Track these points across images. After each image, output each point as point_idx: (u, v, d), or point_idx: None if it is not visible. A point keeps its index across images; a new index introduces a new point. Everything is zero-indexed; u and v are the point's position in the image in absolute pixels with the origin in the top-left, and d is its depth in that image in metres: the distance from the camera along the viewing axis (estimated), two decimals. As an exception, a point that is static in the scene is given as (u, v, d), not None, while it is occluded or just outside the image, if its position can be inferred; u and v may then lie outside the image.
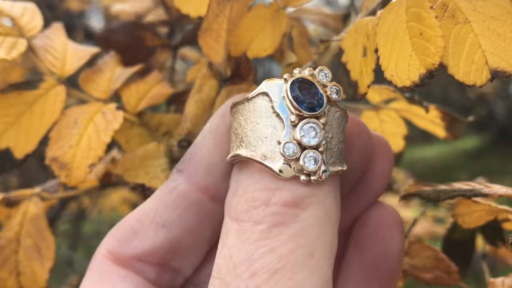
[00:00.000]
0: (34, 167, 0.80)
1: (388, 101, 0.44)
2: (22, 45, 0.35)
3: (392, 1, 0.28)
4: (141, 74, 0.43)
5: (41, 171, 0.81)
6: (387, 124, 0.45)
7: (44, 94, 0.36)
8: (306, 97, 0.26)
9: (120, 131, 0.36)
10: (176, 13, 0.49)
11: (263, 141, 0.26)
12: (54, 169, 0.33)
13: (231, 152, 0.28)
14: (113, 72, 0.41)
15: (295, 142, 0.25)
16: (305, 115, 0.26)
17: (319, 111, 0.26)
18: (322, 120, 0.26)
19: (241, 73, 0.37)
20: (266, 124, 0.26)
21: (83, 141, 0.34)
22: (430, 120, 0.44)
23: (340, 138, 0.27)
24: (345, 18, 0.55)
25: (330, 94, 0.26)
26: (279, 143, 0.25)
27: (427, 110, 0.40)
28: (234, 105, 0.28)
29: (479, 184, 0.35)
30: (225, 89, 0.37)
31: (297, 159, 0.25)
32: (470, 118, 0.43)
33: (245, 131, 0.27)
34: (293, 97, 0.26)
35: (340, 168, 0.27)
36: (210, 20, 0.33)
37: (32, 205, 0.40)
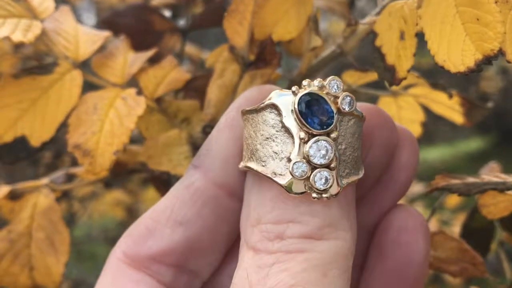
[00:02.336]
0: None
1: (407, 87, 0.45)
2: (37, 27, 0.35)
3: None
4: (150, 60, 0.43)
5: (29, 167, 0.79)
6: (404, 110, 0.46)
7: (59, 79, 0.36)
8: (314, 114, 0.25)
9: (140, 117, 0.35)
10: (185, -4, 0.49)
11: (273, 158, 0.26)
12: (77, 157, 0.32)
13: (243, 160, 0.28)
14: (126, 57, 0.40)
15: (304, 161, 0.25)
16: (314, 133, 0.25)
17: (329, 128, 0.25)
18: (334, 135, 0.26)
19: (265, 57, 0.37)
20: (275, 139, 0.26)
21: (105, 127, 0.33)
22: (449, 106, 0.44)
23: (355, 145, 0.27)
24: (351, 4, 0.56)
25: (342, 106, 0.26)
26: (289, 160, 0.25)
27: (450, 96, 0.41)
28: (244, 112, 0.27)
29: (508, 176, 0.35)
30: (248, 74, 0.37)
31: (308, 178, 0.25)
32: (490, 105, 0.44)
33: (255, 143, 0.27)
34: (301, 114, 0.25)
35: (355, 177, 0.27)
36: (237, 1, 0.33)
37: (42, 197, 0.40)
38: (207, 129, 0.36)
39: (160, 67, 0.39)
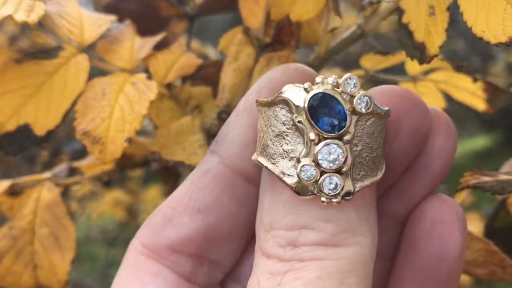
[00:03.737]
0: (14, 158, 0.76)
1: (427, 72, 0.44)
2: (40, 8, 0.33)
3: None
4: (156, 47, 0.41)
5: (25, 166, 0.77)
6: (425, 96, 0.44)
7: (64, 64, 0.34)
8: (326, 114, 0.24)
9: (151, 103, 0.34)
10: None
11: (283, 156, 0.25)
12: (86, 144, 0.31)
13: (256, 152, 0.27)
14: (132, 42, 0.39)
15: (313, 164, 0.24)
16: (325, 136, 0.24)
17: (341, 131, 0.24)
18: (347, 137, 0.24)
19: (282, 38, 0.36)
20: (286, 137, 0.25)
21: (115, 113, 0.32)
22: (471, 92, 0.43)
23: (374, 145, 0.25)
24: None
25: (357, 107, 0.24)
26: (299, 161, 0.24)
27: (475, 80, 0.40)
28: (258, 103, 0.26)
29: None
30: (264, 57, 0.36)
31: (316, 182, 0.24)
32: (514, 89, 0.43)
33: (265, 138, 0.26)
34: (311, 115, 0.24)
35: (372, 180, 0.25)
36: (255, -21, 0.32)
37: (45, 191, 0.38)
38: (223, 115, 0.35)
39: (170, 52, 0.38)
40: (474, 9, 0.25)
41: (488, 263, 0.37)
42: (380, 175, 0.26)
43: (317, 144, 0.24)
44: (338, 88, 0.24)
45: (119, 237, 1.07)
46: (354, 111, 0.24)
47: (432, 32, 0.29)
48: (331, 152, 0.24)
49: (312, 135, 0.24)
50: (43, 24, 0.35)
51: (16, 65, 0.33)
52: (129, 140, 0.31)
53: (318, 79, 0.25)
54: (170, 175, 0.41)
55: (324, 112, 0.24)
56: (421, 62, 0.30)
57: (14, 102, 0.33)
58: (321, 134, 0.24)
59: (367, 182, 0.25)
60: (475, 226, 0.88)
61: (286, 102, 0.25)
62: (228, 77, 0.35)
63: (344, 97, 0.24)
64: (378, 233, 0.30)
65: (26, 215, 0.37)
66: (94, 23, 0.37)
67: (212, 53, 0.92)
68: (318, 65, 0.39)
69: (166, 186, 0.41)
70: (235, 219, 0.29)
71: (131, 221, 0.99)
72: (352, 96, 0.24)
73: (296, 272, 0.24)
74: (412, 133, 0.28)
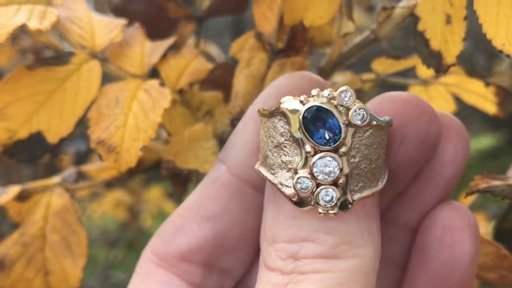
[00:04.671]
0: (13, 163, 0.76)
1: (438, 76, 0.44)
2: (52, 14, 0.33)
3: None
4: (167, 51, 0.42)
5: (26, 167, 0.77)
6: (435, 100, 0.45)
7: (76, 70, 0.34)
8: (321, 128, 0.25)
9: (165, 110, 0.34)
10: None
11: (281, 167, 0.26)
12: (100, 153, 0.31)
13: (258, 161, 0.27)
14: (142, 46, 0.39)
15: (310, 176, 0.25)
16: (320, 148, 0.25)
17: (335, 144, 0.25)
18: (343, 149, 0.25)
19: (295, 44, 0.36)
20: (284, 148, 0.26)
21: (129, 121, 0.32)
22: (482, 95, 0.44)
23: (373, 157, 0.26)
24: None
25: (353, 120, 0.25)
26: (296, 172, 0.25)
27: (487, 84, 0.40)
28: (259, 113, 0.27)
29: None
30: (277, 63, 0.36)
31: (313, 193, 0.25)
32: (525, 93, 0.43)
33: (266, 149, 0.26)
34: (306, 128, 0.25)
35: (372, 190, 0.26)
36: (269, -15, 0.32)
37: (56, 197, 0.39)
38: (236, 122, 0.35)
39: (181, 56, 0.38)
40: (494, 21, 0.26)
41: (499, 267, 0.37)
42: (380, 185, 0.26)
43: (313, 156, 0.25)
44: (334, 100, 0.25)
45: (120, 238, 1.07)
46: (350, 124, 0.25)
47: (449, 41, 0.30)
48: (327, 165, 0.25)
49: (308, 148, 0.25)
50: (54, 30, 0.35)
51: (28, 71, 0.34)
52: (144, 149, 0.31)
53: (314, 91, 0.25)
54: (180, 179, 0.41)
55: (319, 125, 0.25)
56: (437, 70, 0.30)
57: (26, 109, 0.33)
58: (316, 147, 0.25)
59: (366, 193, 0.26)
60: (482, 226, 0.89)
61: (283, 114, 0.25)
62: (240, 83, 0.35)
63: (340, 109, 0.25)
64: (389, 240, 0.31)
65: (36, 221, 0.38)
66: (105, 28, 0.37)
67: (214, 51, 0.92)
68: (330, 70, 0.39)
69: (176, 190, 0.42)
70: (244, 227, 0.30)
71: (132, 222, 0.99)
72: (348, 109, 0.25)
73: (296, 285, 0.25)
74: (419, 139, 0.28)
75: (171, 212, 0.32)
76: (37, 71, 0.34)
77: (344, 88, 0.25)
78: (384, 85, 0.43)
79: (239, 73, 0.36)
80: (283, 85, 0.30)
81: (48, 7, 0.34)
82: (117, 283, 1.14)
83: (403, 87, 0.45)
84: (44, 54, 0.68)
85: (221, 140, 0.36)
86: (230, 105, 0.35)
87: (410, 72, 0.45)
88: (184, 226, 0.30)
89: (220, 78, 0.43)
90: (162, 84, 0.35)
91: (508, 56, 0.25)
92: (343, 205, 0.25)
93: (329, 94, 0.25)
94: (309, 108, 0.25)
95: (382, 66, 0.42)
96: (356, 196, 0.25)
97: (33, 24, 0.31)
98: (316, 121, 0.25)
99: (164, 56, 0.38)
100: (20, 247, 0.37)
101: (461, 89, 0.44)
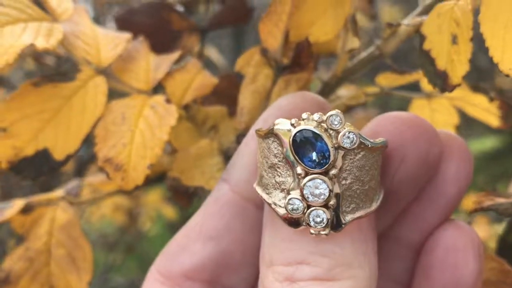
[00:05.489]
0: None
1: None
2: (58, 31, 0.34)
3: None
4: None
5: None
6: (438, 113, 0.45)
7: (82, 86, 0.35)
8: (310, 151, 0.25)
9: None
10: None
11: (275, 188, 0.26)
12: (108, 172, 0.31)
13: (256, 180, 0.28)
14: (148, 60, 0.39)
15: (300, 198, 0.25)
16: (310, 171, 0.25)
17: (324, 168, 0.25)
18: (333, 172, 0.25)
19: (300, 60, 0.36)
20: (278, 169, 0.26)
21: (136, 138, 0.32)
22: (485, 109, 0.44)
23: (365, 178, 0.26)
24: (372, -1, 0.55)
25: (342, 143, 0.25)
26: (289, 193, 0.26)
27: (491, 99, 0.40)
28: (256, 133, 0.28)
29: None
30: (282, 79, 0.36)
31: (304, 214, 0.25)
32: (529, 107, 0.43)
33: (261, 169, 0.27)
34: (296, 151, 0.25)
35: (365, 211, 0.26)
36: (276, 2, 0.33)
37: (60, 211, 0.39)
38: (241, 138, 0.35)
39: (186, 71, 0.38)
40: (500, 45, 0.26)
41: (502, 283, 0.37)
42: (374, 206, 0.27)
43: (303, 178, 0.25)
44: (324, 124, 0.25)
45: (119, 241, 1.08)
46: (339, 147, 0.25)
47: (455, 61, 0.30)
48: (317, 187, 0.25)
49: (299, 170, 0.25)
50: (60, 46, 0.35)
51: (34, 88, 0.34)
52: (151, 167, 0.32)
53: (304, 115, 0.26)
54: (185, 195, 0.41)
55: (308, 148, 0.25)
56: (442, 90, 0.30)
57: (32, 126, 0.33)
58: (307, 169, 0.25)
59: (358, 214, 0.26)
60: (483, 230, 0.89)
61: (276, 136, 0.26)
62: (246, 99, 0.36)
63: (330, 133, 0.25)
64: (393, 259, 0.31)
65: (41, 236, 0.38)
66: (110, 43, 0.37)
67: (214, 55, 0.92)
68: (335, 84, 0.39)
69: (181, 205, 0.42)
70: (247, 245, 0.30)
71: (131, 226, 0.99)
72: (338, 132, 0.25)
73: None
74: (419, 159, 0.29)
75: (170, 216, 0.32)
76: (43, 88, 0.34)
77: (333, 112, 0.26)
78: (388, 98, 0.43)
79: (245, 89, 0.36)
80: (284, 105, 0.30)
81: (54, 24, 0.34)
82: (116, 287, 1.14)
83: (406, 100, 0.45)
84: (44, 59, 0.68)
85: (227, 156, 0.36)
86: (236, 121, 0.35)
87: (414, 85, 0.45)
88: (188, 245, 0.30)
89: (224, 90, 0.44)
90: (168, 101, 0.35)
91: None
92: (336, 226, 0.25)
93: (319, 118, 0.25)
94: (298, 131, 0.25)
95: (386, 80, 0.42)
96: (349, 217, 0.26)
97: (40, 43, 0.31)
98: (305, 144, 0.25)
99: (169, 71, 0.38)
100: (25, 262, 0.37)
101: (464, 103, 0.44)
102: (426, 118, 0.45)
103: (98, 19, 0.96)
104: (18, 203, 0.39)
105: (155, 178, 0.43)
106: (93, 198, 0.41)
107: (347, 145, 0.25)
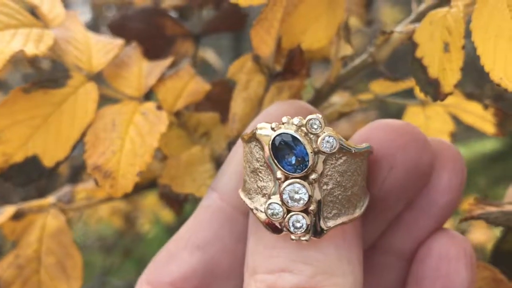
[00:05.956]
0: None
1: (436, 96, 0.44)
2: (49, 37, 0.33)
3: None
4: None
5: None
6: (433, 120, 0.45)
7: (73, 93, 0.34)
8: (288, 155, 0.25)
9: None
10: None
11: (257, 192, 0.26)
12: (97, 179, 0.31)
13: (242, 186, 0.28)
14: (140, 66, 0.39)
15: (280, 203, 0.25)
16: (290, 175, 0.25)
17: (303, 172, 0.25)
18: (313, 176, 0.25)
19: (292, 67, 0.36)
20: (259, 173, 0.26)
21: (126, 146, 0.32)
22: (480, 116, 0.44)
23: (348, 184, 0.26)
24: (369, 4, 0.55)
25: (321, 147, 0.25)
26: (270, 198, 0.25)
27: (486, 107, 0.40)
28: (241, 138, 0.27)
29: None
30: (274, 86, 0.36)
31: (284, 219, 0.25)
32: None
33: (245, 174, 0.27)
34: (275, 155, 0.25)
35: (347, 217, 0.26)
36: (268, 9, 0.32)
37: (51, 218, 0.39)
38: (232, 145, 0.35)
39: (179, 77, 0.38)
40: (491, 55, 0.26)
41: (495, 292, 0.37)
42: (358, 213, 0.26)
43: (283, 182, 0.25)
44: (303, 128, 0.25)
45: (117, 244, 1.07)
46: (319, 151, 0.25)
47: (447, 69, 0.30)
48: (296, 191, 0.25)
49: (279, 174, 0.25)
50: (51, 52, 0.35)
51: (24, 94, 0.34)
52: (141, 174, 0.31)
53: (284, 119, 0.26)
54: (174, 201, 0.41)
55: (287, 152, 0.25)
56: (434, 99, 0.30)
57: (22, 133, 0.33)
58: (286, 173, 0.25)
59: (341, 220, 0.26)
60: (482, 233, 0.89)
61: (258, 140, 0.26)
62: (238, 106, 0.36)
63: (311, 137, 0.25)
64: (385, 269, 0.31)
65: (31, 243, 0.38)
66: (102, 49, 0.37)
67: (211, 57, 0.92)
68: (328, 91, 0.39)
69: (173, 211, 0.42)
70: (235, 254, 0.30)
71: (129, 228, 0.99)
72: (318, 136, 0.25)
73: None
74: (409, 167, 0.28)
75: (168, 219, 0.32)
76: (34, 94, 0.34)
77: (313, 116, 0.25)
78: (384, 105, 0.43)
79: (237, 96, 0.36)
80: (273, 112, 0.30)
81: (45, 30, 0.34)
82: (114, 290, 1.14)
83: (401, 107, 0.45)
84: (39, 63, 0.68)
85: (218, 163, 0.36)
86: (228, 128, 0.35)
87: (408, 92, 0.45)
88: (176, 254, 0.30)
89: (217, 96, 0.43)
90: (159, 107, 0.35)
91: (506, 90, 0.25)
92: (317, 232, 0.25)
93: (298, 122, 0.25)
94: (278, 135, 0.25)
95: (380, 87, 0.42)
96: (330, 223, 0.25)
97: (29, 49, 0.31)
98: (285, 148, 0.25)
99: (161, 77, 0.38)
100: (15, 270, 0.37)
101: (459, 110, 0.44)
102: (421, 125, 0.45)
103: (95, 21, 0.96)
104: (9, 210, 0.39)
105: (147, 184, 0.43)
106: (85, 205, 0.40)
107: (326, 150, 0.25)
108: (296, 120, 0.25)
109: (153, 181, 0.42)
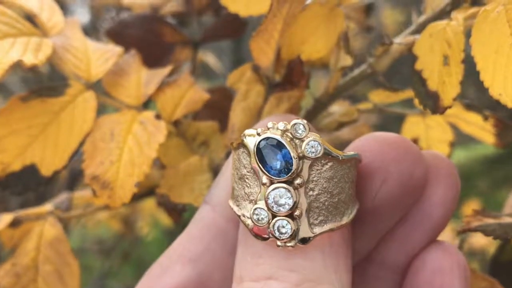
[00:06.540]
0: None
1: (436, 106, 0.44)
2: (47, 46, 0.33)
3: (484, 10, 0.28)
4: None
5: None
6: (433, 130, 0.45)
7: (71, 101, 0.34)
8: (273, 160, 0.25)
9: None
10: (198, 5, 0.47)
11: (244, 199, 0.26)
12: (95, 189, 0.31)
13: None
14: (139, 75, 0.39)
15: (266, 208, 0.25)
16: (275, 180, 0.25)
17: (288, 176, 0.25)
18: (298, 181, 0.25)
19: (292, 78, 0.36)
20: (246, 180, 0.26)
21: (124, 156, 0.32)
22: (480, 126, 0.44)
23: (334, 191, 0.26)
24: (368, 10, 0.55)
25: (305, 151, 0.25)
26: (256, 203, 0.25)
27: (486, 118, 0.40)
28: (231, 146, 0.27)
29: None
30: (274, 96, 0.36)
31: (269, 224, 0.25)
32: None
33: (233, 181, 0.27)
34: (260, 159, 0.25)
35: (335, 224, 0.26)
36: (268, 20, 0.32)
37: (48, 226, 0.38)
38: (231, 155, 0.35)
39: (177, 86, 0.38)
40: (491, 70, 0.26)
41: (494, 304, 0.37)
42: (345, 220, 0.26)
43: (268, 187, 0.25)
44: (288, 132, 0.25)
45: (116, 247, 1.07)
46: (304, 156, 0.25)
47: (446, 83, 0.30)
48: (281, 196, 0.25)
49: (264, 179, 0.25)
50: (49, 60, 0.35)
51: (23, 103, 0.34)
52: (139, 185, 0.31)
53: (269, 124, 0.26)
54: (173, 210, 0.41)
55: (271, 156, 0.25)
56: (433, 112, 0.30)
57: (20, 142, 0.33)
58: (271, 178, 0.25)
59: (327, 227, 0.26)
60: (483, 236, 0.89)
61: (245, 146, 0.26)
62: (237, 116, 0.36)
63: (296, 142, 0.25)
64: (378, 281, 0.31)
65: (29, 251, 0.38)
66: (101, 57, 0.37)
67: (211, 60, 0.92)
68: (327, 101, 0.39)
69: (171, 218, 0.42)
70: (226, 267, 0.30)
71: (127, 232, 0.99)
72: (302, 141, 0.25)
73: None
74: (402, 180, 0.28)
75: (167, 222, 0.32)
76: (32, 103, 0.34)
77: (297, 120, 0.25)
78: (382, 114, 0.43)
79: (236, 106, 0.36)
80: (265, 124, 0.30)
81: (44, 38, 0.34)
82: (112, 293, 1.14)
83: (401, 117, 0.45)
84: (38, 67, 0.67)
85: (216, 173, 0.36)
86: (226, 138, 0.35)
87: (408, 101, 0.45)
88: (169, 267, 0.30)
89: (217, 103, 0.43)
90: (158, 116, 0.35)
91: (505, 106, 0.25)
92: (302, 239, 0.25)
93: (283, 127, 0.25)
94: (262, 139, 0.25)
95: (379, 97, 0.42)
96: (317, 230, 0.25)
97: (28, 59, 0.31)
98: (269, 152, 0.25)
99: (160, 85, 0.38)
100: (13, 278, 0.37)
101: (459, 120, 0.44)
102: (421, 135, 0.45)
103: (94, 23, 0.96)
104: (6, 217, 0.39)
105: (145, 192, 0.43)
106: (82, 213, 0.40)
107: (311, 154, 0.25)
108: (281, 125, 0.25)
109: (151, 189, 0.42)
